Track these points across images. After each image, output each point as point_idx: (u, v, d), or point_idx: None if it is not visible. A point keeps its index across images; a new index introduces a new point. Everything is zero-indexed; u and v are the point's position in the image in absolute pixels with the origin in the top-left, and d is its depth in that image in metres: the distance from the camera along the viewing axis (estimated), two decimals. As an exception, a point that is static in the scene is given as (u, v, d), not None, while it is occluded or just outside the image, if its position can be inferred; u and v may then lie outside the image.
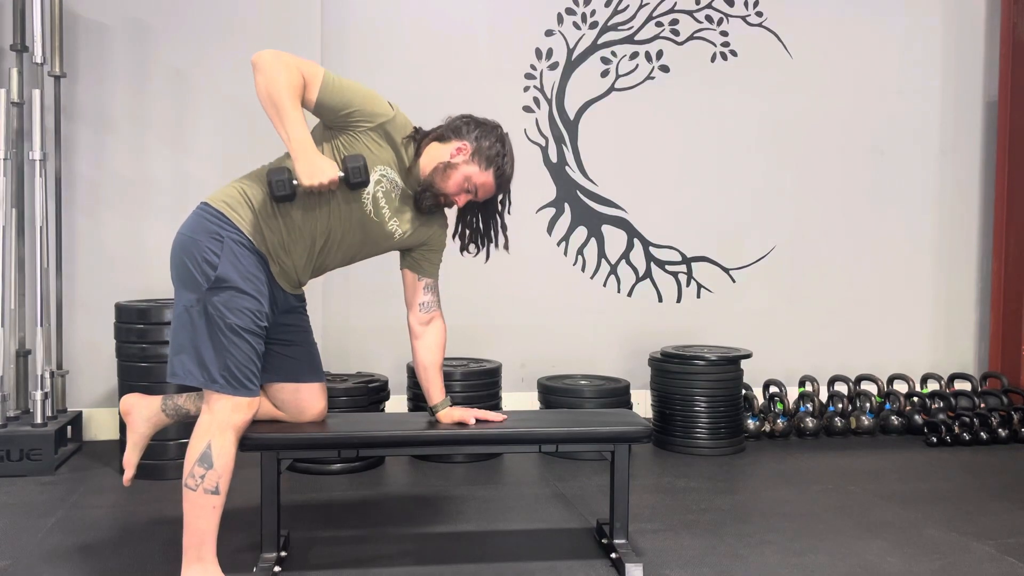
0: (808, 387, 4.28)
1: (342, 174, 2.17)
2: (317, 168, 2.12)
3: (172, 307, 3.26)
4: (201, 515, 2.14)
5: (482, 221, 2.46)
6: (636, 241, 4.48)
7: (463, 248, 2.47)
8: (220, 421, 2.15)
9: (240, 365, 2.15)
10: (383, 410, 3.61)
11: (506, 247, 2.47)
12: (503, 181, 2.36)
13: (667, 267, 4.52)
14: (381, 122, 2.24)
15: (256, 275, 2.20)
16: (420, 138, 2.32)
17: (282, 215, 2.22)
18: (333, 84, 2.18)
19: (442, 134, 2.33)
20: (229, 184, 2.29)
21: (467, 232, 2.47)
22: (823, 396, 4.32)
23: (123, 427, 2.94)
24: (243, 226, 2.20)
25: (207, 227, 2.19)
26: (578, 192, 4.42)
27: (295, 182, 2.14)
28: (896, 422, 4.19)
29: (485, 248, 2.47)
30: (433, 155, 2.30)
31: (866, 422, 4.17)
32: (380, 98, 2.26)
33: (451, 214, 2.48)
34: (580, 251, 4.44)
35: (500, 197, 2.43)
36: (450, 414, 2.50)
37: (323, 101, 2.17)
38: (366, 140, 2.24)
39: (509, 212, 2.46)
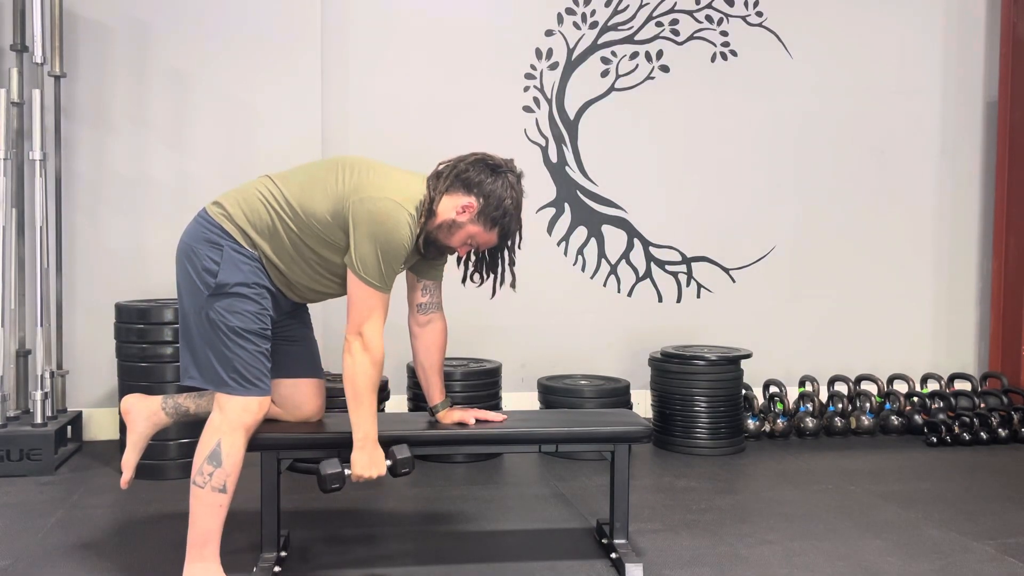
0: (808, 387, 4.28)
1: (389, 463, 2.26)
2: (373, 463, 2.22)
3: (173, 307, 3.31)
4: (207, 513, 2.16)
5: (489, 254, 2.39)
6: (636, 241, 4.48)
7: (466, 278, 2.42)
8: (231, 420, 2.17)
9: (248, 366, 2.18)
10: (383, 410, 3.61)
11: (512, 285, 2.40)
12: (507, 235, 2.32)
13: (667, 267, 4.52)
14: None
15: (256, 281, 2.22)
16: (430, 204, 2.24)
17: (287, 240, 2.23)
18: (390, 279, 2.23)
19: (451, 186, 2.26)
20: (227, 195, 2.28)
21: (471, 263, 2.42)
22: (823, 396, 4.32)
23: (123, 427, 2.94)
24: (241, 240, 2.22)
25: (206, 236, 2.21)
26: (578, 192, 4.42)
27: (347, 472, 2.22)
28: (896, 422, 4.19)
29: (491, 282, 2.41)
30: (441, 210, 2.25)
31: (866, 422, 4.16)
32: (402, 235, 2.18)
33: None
34: (580, 251, 4.44)
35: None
36: (450, 414, 2.51)
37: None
38: None
39: (520, 247, 2.39)
